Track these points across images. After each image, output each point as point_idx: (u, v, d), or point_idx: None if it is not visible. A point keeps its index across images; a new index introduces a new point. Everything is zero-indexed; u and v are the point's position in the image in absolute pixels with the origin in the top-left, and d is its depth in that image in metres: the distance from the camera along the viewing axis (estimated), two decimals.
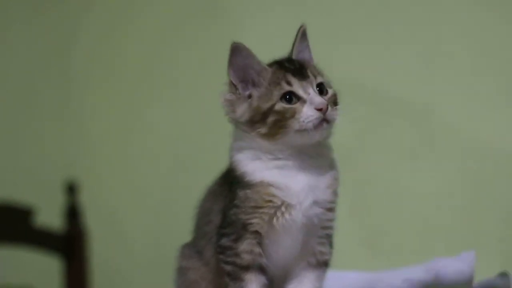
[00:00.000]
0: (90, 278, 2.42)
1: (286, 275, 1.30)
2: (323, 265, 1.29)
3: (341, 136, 2.30)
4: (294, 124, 1.23)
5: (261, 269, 1.26)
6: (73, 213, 2.45)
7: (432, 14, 2.22)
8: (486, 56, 2.17)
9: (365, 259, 2.22)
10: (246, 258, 1.24)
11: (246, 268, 1.25)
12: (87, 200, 2.50)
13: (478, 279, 1.53)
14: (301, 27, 1.33)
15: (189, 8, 2.51)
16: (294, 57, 1.32)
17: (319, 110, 1.24)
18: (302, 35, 1.33)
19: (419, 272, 1.65)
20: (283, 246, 1.27)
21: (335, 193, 1.30)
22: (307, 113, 1.23)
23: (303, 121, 1.23)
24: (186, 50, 2.51)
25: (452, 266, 1.59)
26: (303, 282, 1.27)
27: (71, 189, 2.46)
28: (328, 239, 1.30)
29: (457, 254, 1.61)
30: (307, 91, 1.25)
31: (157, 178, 2.42)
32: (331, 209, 1.29)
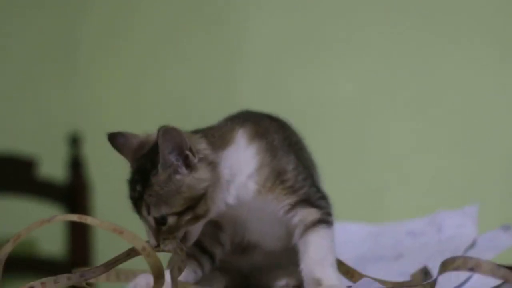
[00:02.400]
0: (92, 230, 2.43)
1: (288, 242, 1.29)
2: (316, 224, 1.25)
3: (341, 92, 2.33)
4: None
5: (202, 249, 1.28)
6: (76, 165, 2.45)
7: None
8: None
9: (366, 215, 2.22)
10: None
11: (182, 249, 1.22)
12: (90, 152, 2.50)
13: (481, 232, 1.52)
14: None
15: None
16: None
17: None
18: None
19: (421, 225, 1.65)
20: (250, 226, 1.28)
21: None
22: None
23: None
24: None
25: (455, 219, 1.59)
26: (307, 249, 1.24)
27: (74, 141, 2.45)
28: (302, 204, 1.26)
29: (460, 208, 1.61)
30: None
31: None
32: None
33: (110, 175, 2.72)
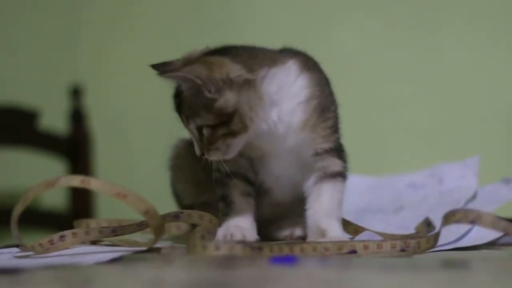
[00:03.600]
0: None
1: (296, 194, 1.32)
2: (336, 175, 1.29)
3: (345, 47, 2.33)
4: None
5: (246, 179, 1.31)
6: (77, 117, 2.44)
7: None
8: None
9: (366, 167, 2.23)
10: (230, 167, 1.26)
11: (229, 176, 1.28)
12: (92, 104, 2.49)
13: (482, 184, 1.52)
14: None
15: None
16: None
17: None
18: None
19: (422, 176, 1.65)
20: (272, 165, 1.30)
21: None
22: None
23: None
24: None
25: (456, 171, 1.59)
26: (320, 197, 1.28)
27: (76, 93, 2.45)
28: (331, 153, 1.29)
29: (461, 160, 1.61)
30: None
31: (162, 85, 2.41)
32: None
33: (111, 127, 2.73)
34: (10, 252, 1.15)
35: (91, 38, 2.62)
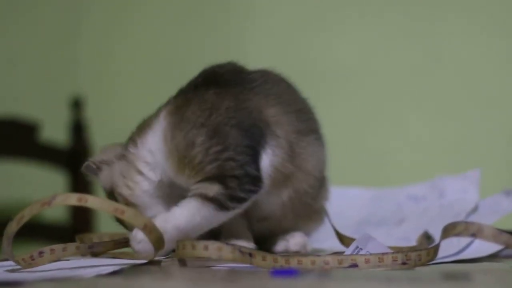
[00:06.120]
0: (94, 193, 2.43)
1: (276, 209, 1.31)
2: (207, 200, 1.19)
3: (345, 57, 2.33)
4: None
5: None
6: (78, 129, 2.44)
7: None
8: None
9: (367, 179, 2.23)
10: None
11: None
12: (93, 116, 2.50)
13: (482, 197, 1.52)
14: None
15: None
16: None
17: None
18: None
19: (423, 189, 1.65)
20: None
21: None
22: None
23: None
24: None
25: (457, 184, 1.59)
26: (176, 209, 1.21)
27: (77, 104, 2.45)
28: (215, 178, 1.19)
29: (462, 172, 1.61)
30: None
31: (164, 94, 2.41)
32: None
33: (112, 139, 2.72)
34: (10, 266, 1.15)
35: (92, 49, 2.62)
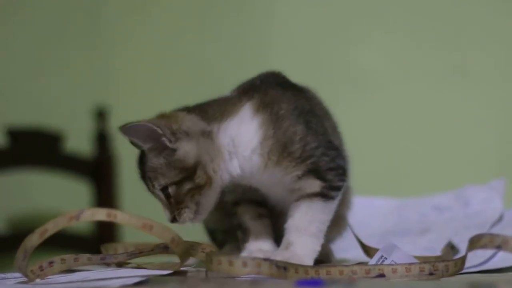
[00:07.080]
0: (119, 203, 2.44)
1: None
2: (313, 196, 1.27)
3: (369, 62, 2.33)
4: None
5: (256, 202, 1.33)
6: (102, 139, 2.45)
7: None
8: None
9: (392, 186, 2.22)
10: (231, 197, 1.32)
11: (235, 203, 1.33)
12: (116, 126, 2.50)
13: (507, 207, 1.52)
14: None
15: None
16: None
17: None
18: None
19: (448, 199, 1.65)
20: (264, 190, 1.32)
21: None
22: None
23: None
24: None
25: (481, 193, 1.59)
26: (294, 215, 1.27)
27: (101, 115, 2.46)
28: (307, 175, 1.27)
29: (487, 182, 1.60)
30: None
31: (187, 103, 2.42)
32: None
33: (136, 149, 2.73)
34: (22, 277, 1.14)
35: (116, 60, 2.63)
